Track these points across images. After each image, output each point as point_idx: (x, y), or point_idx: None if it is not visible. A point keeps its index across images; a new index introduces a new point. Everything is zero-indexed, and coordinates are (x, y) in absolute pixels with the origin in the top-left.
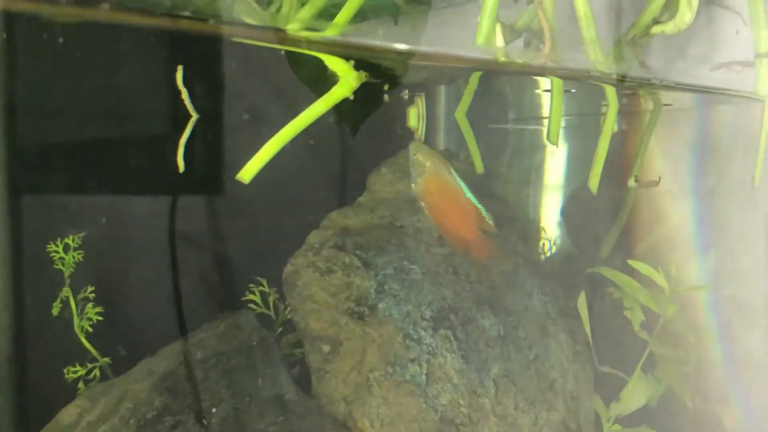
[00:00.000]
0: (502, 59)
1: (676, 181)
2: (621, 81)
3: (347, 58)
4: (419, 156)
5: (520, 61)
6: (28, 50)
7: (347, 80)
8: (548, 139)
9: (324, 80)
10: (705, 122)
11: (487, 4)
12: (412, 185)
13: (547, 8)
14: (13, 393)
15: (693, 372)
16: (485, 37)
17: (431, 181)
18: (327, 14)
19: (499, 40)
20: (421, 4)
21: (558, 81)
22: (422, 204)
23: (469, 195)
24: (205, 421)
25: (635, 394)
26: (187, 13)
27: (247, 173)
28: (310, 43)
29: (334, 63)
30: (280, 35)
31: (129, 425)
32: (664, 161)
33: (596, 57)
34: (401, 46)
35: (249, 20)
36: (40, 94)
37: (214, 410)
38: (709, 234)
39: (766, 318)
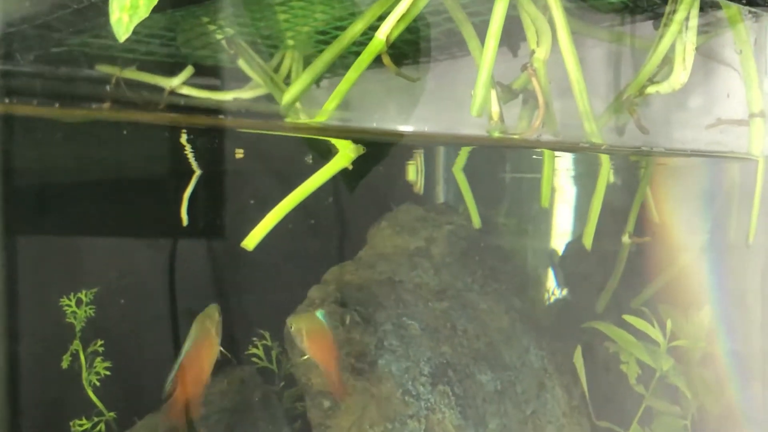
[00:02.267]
0: (496, 135)
1: (675, 236)
2: (614, 151)
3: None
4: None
5: (516, 136)
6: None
7: (345, 152)
8: (541, 202)
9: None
10: (703, 178)
11: (482, 74)
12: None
13: (542, 78)
14: None
15: (690, 425)
16: (479, 109)
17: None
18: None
19: (495, 106)
20: (421, 56)
21: (549, 152)
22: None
23: None
24: None
25: None
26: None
27: (251, 241)
28: (307, 129)
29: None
30: (279, 123)
31: None
32: (662, 216)
33: (590, 128)
34: (396, 128)
35: (249, 73)
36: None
37: None
38: (706, 289)
39: (763, 372)
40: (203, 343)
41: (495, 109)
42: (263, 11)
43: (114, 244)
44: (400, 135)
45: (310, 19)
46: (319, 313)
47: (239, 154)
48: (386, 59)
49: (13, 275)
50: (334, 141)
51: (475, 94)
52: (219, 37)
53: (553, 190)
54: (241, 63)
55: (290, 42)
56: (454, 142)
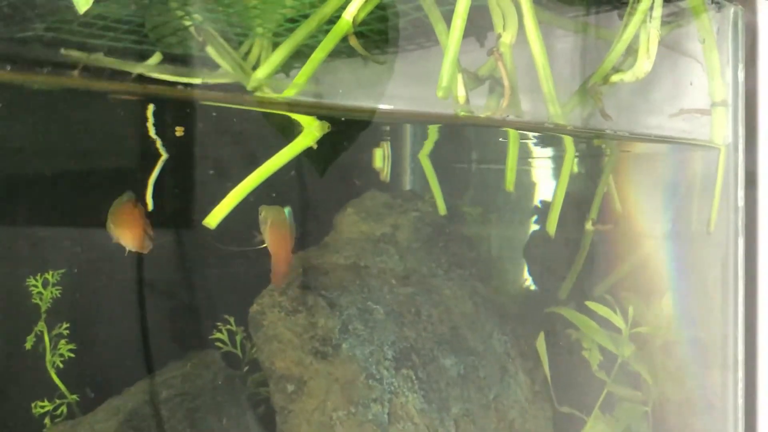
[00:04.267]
0: (462, 114)
1: (638, 224)
2: (577, 133)
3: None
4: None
5: (482, 115)
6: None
7: (310, 130)
8: (505, 186)
9: (291, 128)
10: (665, 167)
11: (448, 54)
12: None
13: (507, 62)
14: None
15: (651, 412)
16: (445, 90)
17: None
18: (302, 55)
19: (461, 90)
20: (389, 46)
21: (514, 132)
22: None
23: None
24: None
25: None
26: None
27: (212, 219)
28: (275, 104)
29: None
30: (247, 97)
31: None
32: (625, 204)
33: (554, 110)
34: (363, 104)
35: (218, 60)
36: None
37: None
38: (668, 277)
39: (722, 360)
40: None
41: (461, 93)
42: None
43: (76, 229)
44: (370, 112)
45: (279, 6)
46: (286, 210)
47: (179, 131)
48: (353, 40)
49: None
50: (298, 117)
51: (442, 74)
52: (187, 24)
53: (532, 183)
54: (210, 50)
55: (259, 30)
56: (422, 120)
